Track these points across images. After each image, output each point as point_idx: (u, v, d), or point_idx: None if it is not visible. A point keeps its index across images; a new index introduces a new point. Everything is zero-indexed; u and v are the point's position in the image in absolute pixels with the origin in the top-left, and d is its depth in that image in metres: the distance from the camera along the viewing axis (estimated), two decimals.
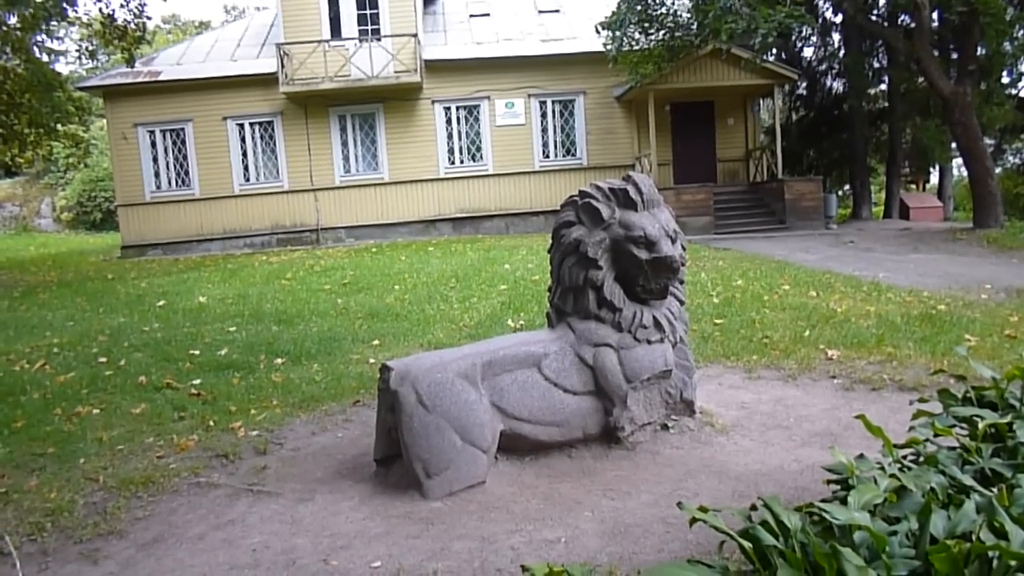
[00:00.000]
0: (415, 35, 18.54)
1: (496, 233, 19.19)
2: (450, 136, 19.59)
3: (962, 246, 13.79)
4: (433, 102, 19.33)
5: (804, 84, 24.64)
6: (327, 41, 18.56)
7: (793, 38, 23.18)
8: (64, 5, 16.82)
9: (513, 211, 19.59)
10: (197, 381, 6.09)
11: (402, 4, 18.84)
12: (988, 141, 20.53)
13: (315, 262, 14.17)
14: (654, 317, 4.10)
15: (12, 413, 5.42)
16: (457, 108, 19.49)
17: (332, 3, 18.79)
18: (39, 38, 19.08)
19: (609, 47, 17.40)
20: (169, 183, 19.44)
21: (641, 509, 3.39)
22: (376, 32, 18.82)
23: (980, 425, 2.62)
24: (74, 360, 7.10)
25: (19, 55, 17.11)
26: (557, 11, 21.46)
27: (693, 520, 2.16)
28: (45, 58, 19.37)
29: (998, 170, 22.79)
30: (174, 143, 19.37)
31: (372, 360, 6.47)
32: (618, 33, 17.09)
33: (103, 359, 7.03)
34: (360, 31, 18.87)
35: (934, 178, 28.24)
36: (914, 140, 22.77)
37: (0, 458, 4.54)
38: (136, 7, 16.31)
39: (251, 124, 19.35)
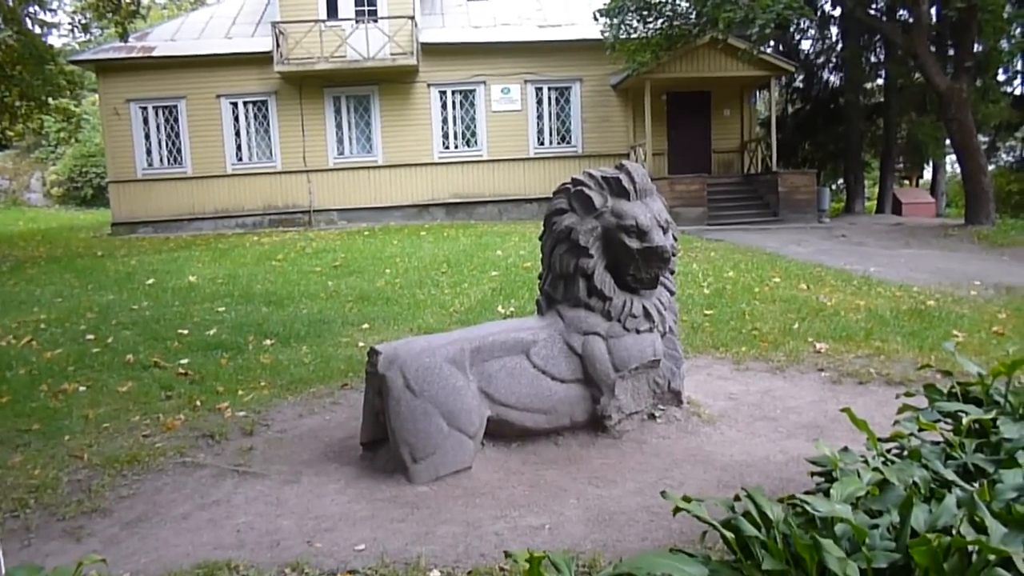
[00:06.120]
0: (412, 17, 18.38)
1: (489, 219, 19.13)
2: (445, 120, 19.47)
3: (953, 242, 13.84)
4: (429, 86, 19.20)
5: (801, 77, 24.56)
6: (323, 21, 18.37)
7: (791, 30, 23.08)
8: None
9: (507, 197, 19.52)
10: (185, 361, 6.07)
11: None
12: (982, 138, 20.54)
13: (307, 244, 14.11)
14: (644, 306, 4.10)
15: None
16: (453, 92, 19.36)
17: None
18: (31, 9, 18.77)
19: (607, 34, 17.31)
20: (161, 160, 19.27)
21: (626, 497, 3.41)
22: (373, 13, 18.65)
23: (964, 420, 2.63)
24: (61, 337, 7.06)
25: (11, 26, 16.87)
26: None
27: (677, 509, 2.16)
28: (37, 30, 19.06)
29: (991, 167, 22.86)
30: (167, 120, 19.19)
31: (361, 343, 6.46)
32: (616, 20, 16.99)
33: (91, 336, 7.00)
34: (357, 12, 18.67)
35: (928, 174, 28.26)
36: (909, 135, 22.76)
37: None
38: None
39: (245, 103, 19.18)
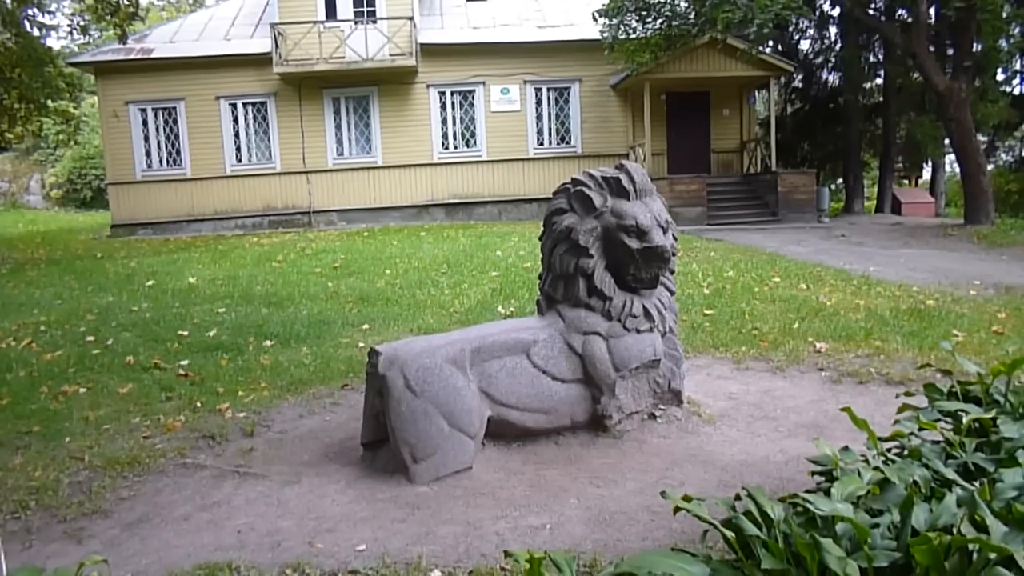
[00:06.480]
0: (411, 18, 18.39)
1: (489, 219, 19.14)
2: (444, 121, 19.48)
3: (953, 242, 13.85)
4: (428, 86, 19.21)
5: (800, 77, 24.57)
6: (322, 22, 18.38)
7: (790, 30, 23.10)
8: None
9: (506, 198, 19.53)
10: (185, 362, 6.07)
11: None
12: (981, 138, 20.55)
13: (306, 245, 14.11)
14: (644, 306, 4.10)
15: None
16: (452, 93, 19.37)
17: None
18: (30, 12, 18.80)
19: (606, 35, 17.32)
20: (160, 162, 19.27)
21: (626, 497, 3.41)
22: (372, 14, 18.65)
23: (964, 420, 2.63)
24: (61, 339, 7.06)
25: (10, 29, 16.88)
26: None
27: (677, 509, 2.17)
28: (36, 32, 19.08)
29: (991, 167, 22.86)
30: (166, 122, 19.19)
31: (361, 344, 6.46)
32: (615, 21, 17.02)
33: (91, 338, 7.00)
34: (356, 13, 18.68)
35: (927, 174, 28.28)
36: (908, 135, 22.77)
37: None
38: None
39: (244, 104, 19.18)
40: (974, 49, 16.82)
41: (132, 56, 18.67)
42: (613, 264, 4.05)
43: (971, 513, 1.95)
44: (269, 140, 19.31)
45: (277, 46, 18.03)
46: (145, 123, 19.12)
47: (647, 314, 4.11)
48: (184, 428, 4.57)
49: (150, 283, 10.31)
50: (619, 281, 4.08)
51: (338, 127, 19.33)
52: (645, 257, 3.96)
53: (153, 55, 18.84)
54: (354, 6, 18.70)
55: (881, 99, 24.00)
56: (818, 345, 5.95)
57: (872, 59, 23.49)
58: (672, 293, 4.34)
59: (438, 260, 11.26)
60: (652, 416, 4.28)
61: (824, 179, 24.05)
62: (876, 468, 2.28)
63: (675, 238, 4.21)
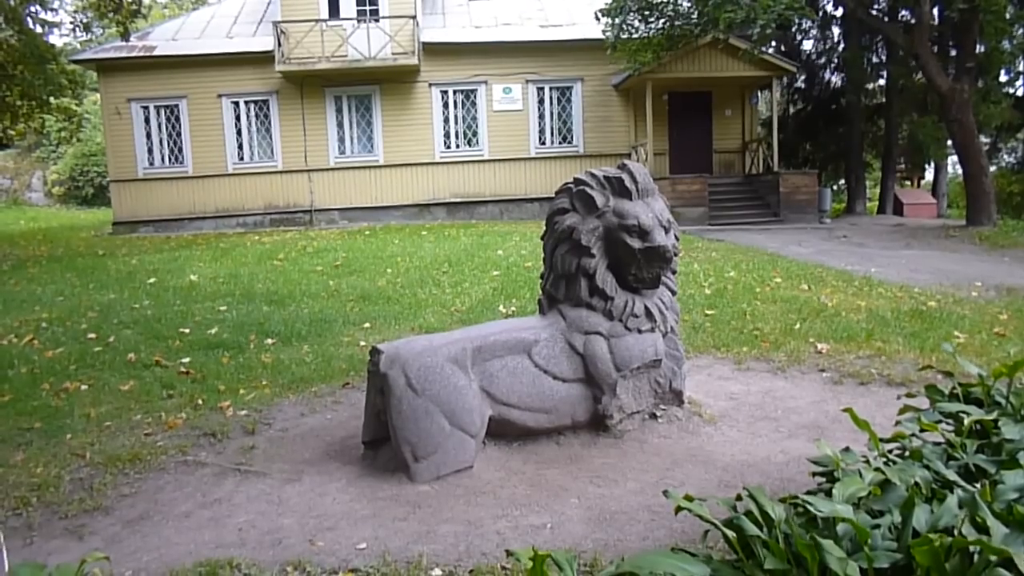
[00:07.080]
0: (414, 17, 18.39)
1: (490, 219, 19.14)
2: (446, 120, 19.48)
3: (954, 243, 13.84)
4: (430, 85, 19.21)
5: (803, 77, 24.56)
6: (325, 20, 18.39)
7: (793, 31, 23.08)
8: None
9: (508, 197, 19.53)
10: (186, 359, 6.07)
11: None
12: (984, 139, 20.52)
13: (308, 243, 14.11)
14: (645, 306, 4.10)
15: None
16: (454, 92, 19.37)
17: None
18: (33, 9, 18.82)
19: (608, 34, 17.31)
20: (162, 160, 19.29)
21: (627, 497, 3.41)
22: (374, 13, 18.66)
23: (966, 421, 2.64)
24: (63, 336, 7.07)
25: (12, 26, 16.91)
26: None
27: (678, 509, 2.17)
28: (39, 30, 19.10)
29: (993, 168, 22.86)
30: (168, 119, 19.20)
31: (363, 343, 6.47)
32: (617, 20, 17.00)
33: (92, 335, 7.00)
34: (358, 11, 18.69)
35: (929, 175, 28.25)
36: (910, 136, 22.74)
37: None
38: None
39: (246, 102, 19.19)
40: (977, 50, 16.82)
41: (134, 54, 18.68)
42: (615, 264, 4.05)
43: (972, 514, 1.95)
44: (271, 138, 19.32)
45: (279, 44, 18.03)
46: (147, 120, 19.13)
47: (648, 314, 4.11)
48: (185, 425, 4.58)
49: (151, 280, 10.31)
50: (621, 281, 4.08)
51: (340, 126, 19.33)
52: (647, 257, 3.96)
53: (155, 53, 18.84)
54: (357, 5, 18.70)
55: (883, 100, 23.99)
56: (819, 346, 5.95)
57: (875, 60, 23.46)
58: (674, 293, 4.34)
59: (439, 259, 11.27)
60: (653, 416, 4.28)
61: (826, 180, 24.04)
62: (877, 469, 2.28)
63: (677, 238, 4.21)
